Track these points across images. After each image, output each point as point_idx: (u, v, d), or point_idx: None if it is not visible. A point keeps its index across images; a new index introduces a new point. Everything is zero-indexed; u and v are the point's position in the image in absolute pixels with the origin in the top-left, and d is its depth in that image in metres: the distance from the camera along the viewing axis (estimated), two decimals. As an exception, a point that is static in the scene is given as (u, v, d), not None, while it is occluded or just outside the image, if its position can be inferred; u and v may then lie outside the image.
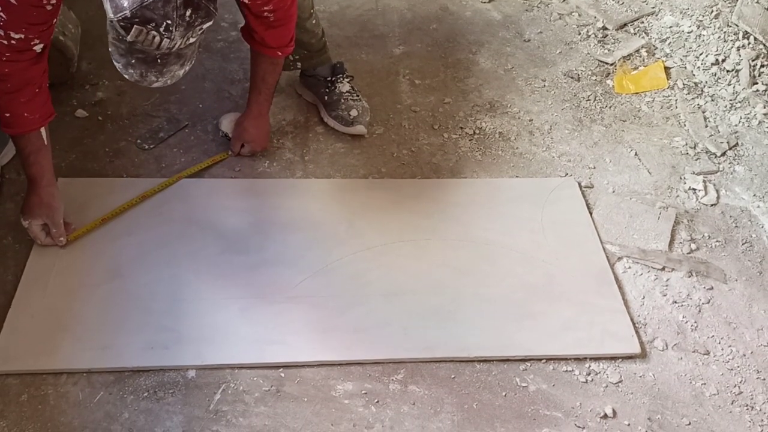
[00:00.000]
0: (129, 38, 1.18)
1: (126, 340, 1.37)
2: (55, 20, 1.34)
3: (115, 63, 1.26)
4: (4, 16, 1.25)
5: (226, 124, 1.81)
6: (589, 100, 2.10)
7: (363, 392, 1.35)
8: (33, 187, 1.49)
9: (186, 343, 1.38)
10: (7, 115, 1.40)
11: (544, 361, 1.43)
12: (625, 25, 2.39)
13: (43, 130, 1.46)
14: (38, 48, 1.34)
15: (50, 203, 1.49)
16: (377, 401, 1.34)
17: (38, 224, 1.48)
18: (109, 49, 1.25)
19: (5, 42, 1.29)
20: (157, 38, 1.18)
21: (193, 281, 1.48)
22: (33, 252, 1.50)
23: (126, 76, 1.26)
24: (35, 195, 1.49)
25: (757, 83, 2.09)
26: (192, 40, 1.24)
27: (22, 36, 1.29)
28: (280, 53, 1.64)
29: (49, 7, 1.28)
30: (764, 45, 2.10)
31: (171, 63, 1.26)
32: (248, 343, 1.39)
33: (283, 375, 1.36)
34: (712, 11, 2.26)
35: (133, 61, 1.24)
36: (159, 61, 1.24)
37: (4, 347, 1.34)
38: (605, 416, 1.35)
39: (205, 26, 1.25)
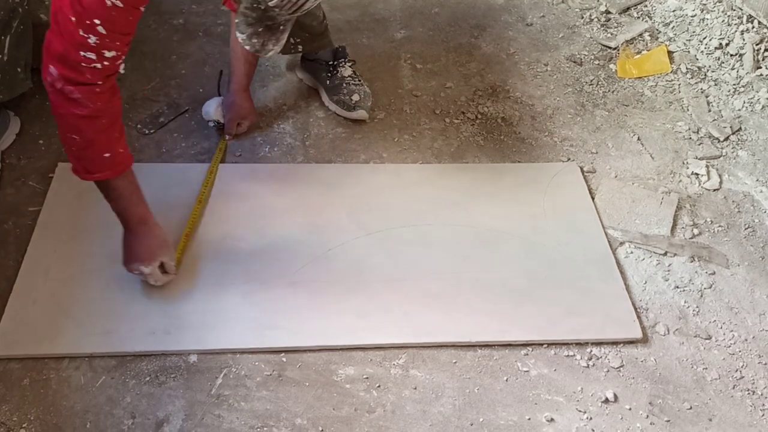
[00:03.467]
0: (272, 2, 1.14)
1: (128, 325, 1.37)
2: (135, 30, 1.22)
3: (238, 35, 1.22)
4: (102, 30, 1.13)
5: (215, 111, 1.77)
6: (591, 84, 2.09)
7: (364, 377, 1.35)
8: (144, 228, 1.38)
9: (187, 327, 1.38)
10: (107, 155, 1.27)
11: (545, 345, 1.43)
12: (629, 8, 2.37)
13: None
14: (122, 68, 1.23)
15: (167, 241, 1.42)
16: (378, 386, 1.34)
17: (158, 265, 1.39)
18: (236, 20, 1.21)
19: (99, 66, 1.17)
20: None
21: (194, 266, 1.48)
22: (34, 237, 1.49)
23: (247, 47, 1.22)
24: (151, 237, 1.38)
25: (760, 67, 2.08)
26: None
27: (115, 53, 1.18)
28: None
29: (142, 8, 1.19)
30: (769, 29, 2.09)
31: (287, 29, 1.24)
32: (249, 328, 1.39)
33: (284, 360, 1.36)
34: (716, -5, 2.24)
35: (260, 29, 1.20)
36: (281, 27, 1.22)
37: (6, 332, 1.34)
38: (606, 401, 1.35)
39: None
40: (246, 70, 1.73)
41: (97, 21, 1.12)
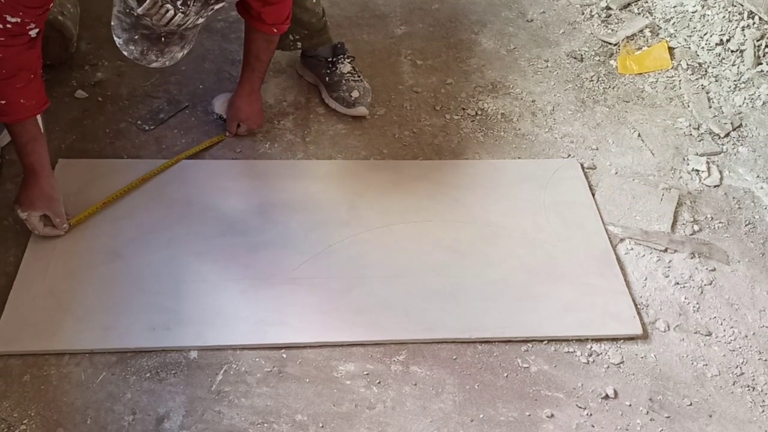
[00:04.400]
0: (140, 11, 1.15)
1: (128, 321, 1.37)
2: (51, 4, 1.30)
3: (115, 38, 1.23)
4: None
5: (219, 106, 1.79)
6: (592, 80, 2.08)
7: (365, 373, 1.35)
8: (32, 177, 1.44)
9: (187, 324, 1.38)
10: (3, 102, 1.35)
11: (545, 342, 1.43)
12: (629, 4, 2.36)
13: (39, 118, 1.42)
14: (33, 33, 1.30)
15: (51, 194, 1.46)
16: (379, 382, 1.34)
17: (37, 216, 1.45)
18: (112, 23, 1.22)
19: (0, 26, 1.25)
20: (171, 12, 1.16)
21: (194, 263, 1.48)
22: (34, 234, 1.49)
23: (125, 53, 1.24)
24: (35, 186, 1.44)
25: (761, 63, 2.08)
26: (201, 20, 1.23)
27: (18, 20, 1.25)
28: (275, 30, 1.62)
29: None
30: (769, 25, 2.09)
31: (173, 44, 1.24)
32: (250, 325, 1.39)
33: (284, 356, 1.36)
34: (717, -10, 2.24)
35: (136, 37, 1.21)
36: (162, 39, 1.22)
37: (6, 328, 1.34)
38: (606, 397, 1.35)
39: (217, 7, 1.23)
40: (250, 76, 1.72)
41: None
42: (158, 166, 1.66)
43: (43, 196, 1.45)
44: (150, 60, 1.25)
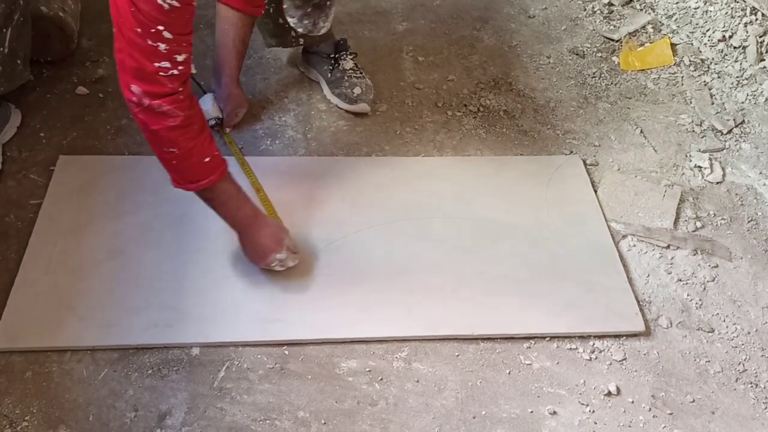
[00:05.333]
0: None
1: (130, 318, 1.37)
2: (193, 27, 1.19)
3: (289, 19, 1.22)
4: (168, 35, 1.10)
5: (214, 108, 1.74)
6: (594, 77, 2.08)
7: (367, 370, 1.35)
8: (261, 219, 1.38)
9: (189, 320, 1.37)
10: (207, 159, 1.26)
11: (548, 339, 1.43)
12: (631, 0, 2.36)
13: None
14: (193, 68, 1.22)
15: (282, 226, 1.43)
16: (381, 379, 1.34)
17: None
18: (284, 6, 1.20)
19: (175, 72, 1.14)
20: None
21: (196, 260, 1.48)
22: (35, 230, 1.49)
23: (300, 29, 1.23)
24: (268, 226, 1.39)
25: (764, 60, 2.07)
26: None
27: (185, 56, 1.15)
28: (261, 11, 1.64)
29: (194, 2, 1.14)
30: (772, 21, 2.08)
31: (334, 5, 1.25)
32: (252, 321, 1.39)
33: (287, 353, 1.36)
34: (720, -14, 2.23)
35: (309, 9, 1.21)
36: (327, 3, 1.23)
37: (8, 325, 1.34)
38: (609, 394, 1.35)
39: None
40: (237, 61, 1.72)
41: (161, 27, 1.09)
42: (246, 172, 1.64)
43: (280, 227, 1.42)
44: (320, 27, 1.25)
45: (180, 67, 1.15)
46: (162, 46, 1.11)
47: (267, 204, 1.57)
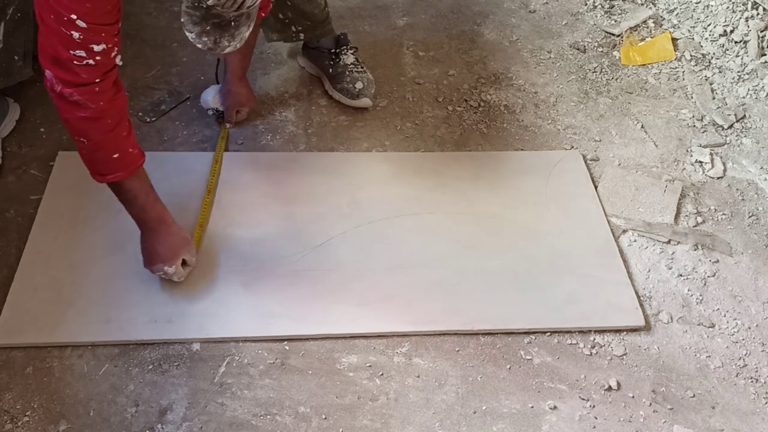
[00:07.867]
0: (210, 2, 1.11)
1: (129, 314, 1.37)
2: (120, 18, 1.17)
3: (187, 34, 1.19)
4: (82, 23, 1.09)
5: (213, 99, 1.76)
6: (595, 72, 2.07)
7: (367, 365, 1.35)
8: (163, 227, 1.36)
9: (190, 316, 1.38)
10: (116, 156, 1.24)
11: (548, 333, 1.43)
12: (632, -5, 2.35)
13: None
14: (119, 59, 1.18)
15: (185, 237, 1.40)
16: (382, 374, 1.34)
17: (180, 263, 1.38)
18: (182, 20, 1.18)
19: (92, 62, 1.13)
20: None
21: (196, 255, 1.48)
22: (35, 225, 1.49)
23: (199, 45, 1.20)
24: (170, 235, 1.37)
25: (765, 54, 2.06)
26: None
27: (104, 46, 1.13)
28: (263, 14, 1.62)
29: None
30: (774, 15, 2.07)
31: (242, 24, 1.21)
32: (252, 317, 1.39)
33: (287, 348, 1.36)
34: (721, -19, 2.22)
35: (208, 27, 1.18)
36: (232, 23, 1.19)
37: (8, 320, 1.34)
38: (609, 389, 1.35)
39: None
40: (240, 60, 1.72)
41: (73, 16, 1.09)
42: (212, 170, 1.64)
43: (183, 243, 1.39)
44: (223, 46, 1.21)
45: (98, 58, 1.13)
46: (76, 35, 1.10)
47: (205, 210, 1.55)
